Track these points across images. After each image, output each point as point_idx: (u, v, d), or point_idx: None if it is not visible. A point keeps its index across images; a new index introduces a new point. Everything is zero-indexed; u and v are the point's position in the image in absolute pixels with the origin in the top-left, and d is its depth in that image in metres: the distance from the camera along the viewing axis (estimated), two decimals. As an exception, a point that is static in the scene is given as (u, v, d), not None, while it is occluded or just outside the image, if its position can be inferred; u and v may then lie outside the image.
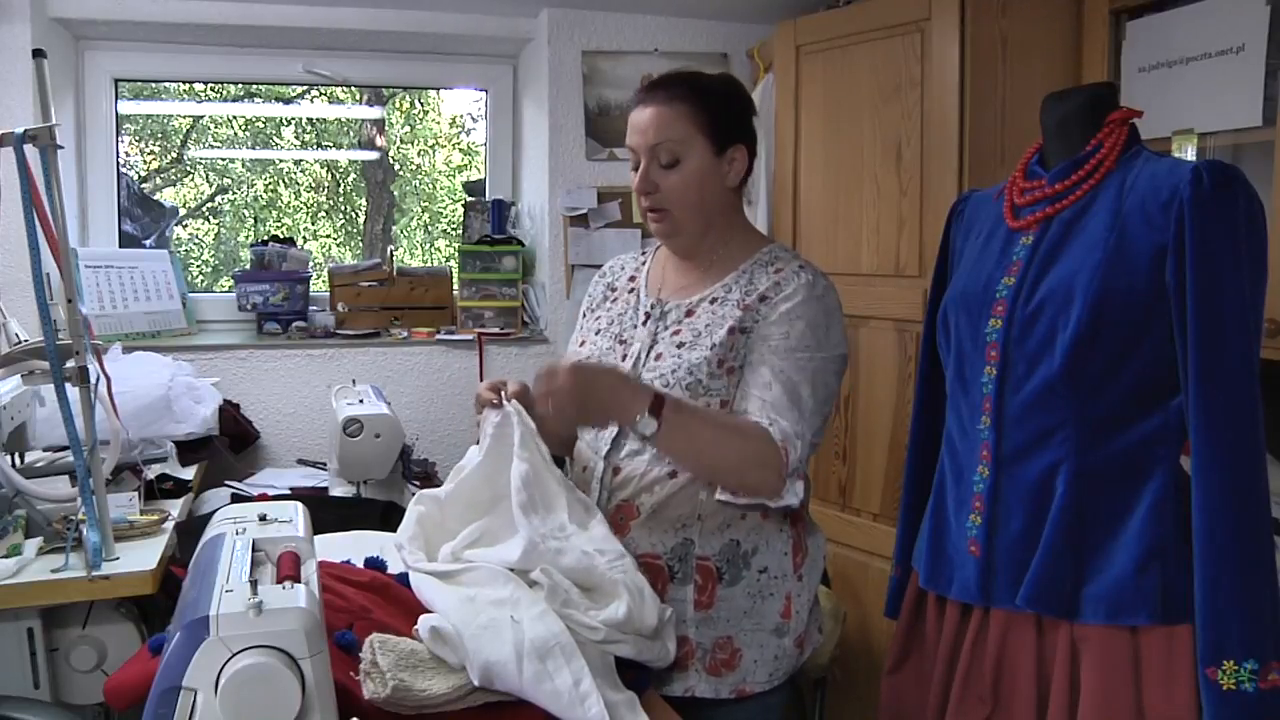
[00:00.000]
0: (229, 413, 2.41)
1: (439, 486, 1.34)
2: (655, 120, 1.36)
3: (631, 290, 1.51)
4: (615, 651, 1.14)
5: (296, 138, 4.58)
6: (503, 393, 1.33)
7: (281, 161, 5.12)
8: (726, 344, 1.34)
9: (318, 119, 4.16)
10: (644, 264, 1.55)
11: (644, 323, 1.44)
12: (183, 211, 4.32)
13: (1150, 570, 1.21)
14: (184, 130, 4.30)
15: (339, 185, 5.01)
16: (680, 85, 1.38)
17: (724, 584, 1.35)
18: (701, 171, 1.37)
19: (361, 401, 2.24)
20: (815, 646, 1.46)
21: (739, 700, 1.35)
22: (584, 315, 1.58)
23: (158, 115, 4.05)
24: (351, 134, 4.25)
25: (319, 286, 2.95)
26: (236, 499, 2.07)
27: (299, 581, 0.93)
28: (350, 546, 1.49)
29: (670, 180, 1.37)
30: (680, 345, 1.37)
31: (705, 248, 1.43)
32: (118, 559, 1.46)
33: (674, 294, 1.45)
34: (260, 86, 3.33)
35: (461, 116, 4.60)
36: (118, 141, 2.79)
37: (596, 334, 1.49)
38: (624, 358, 1.42)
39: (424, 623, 1.11)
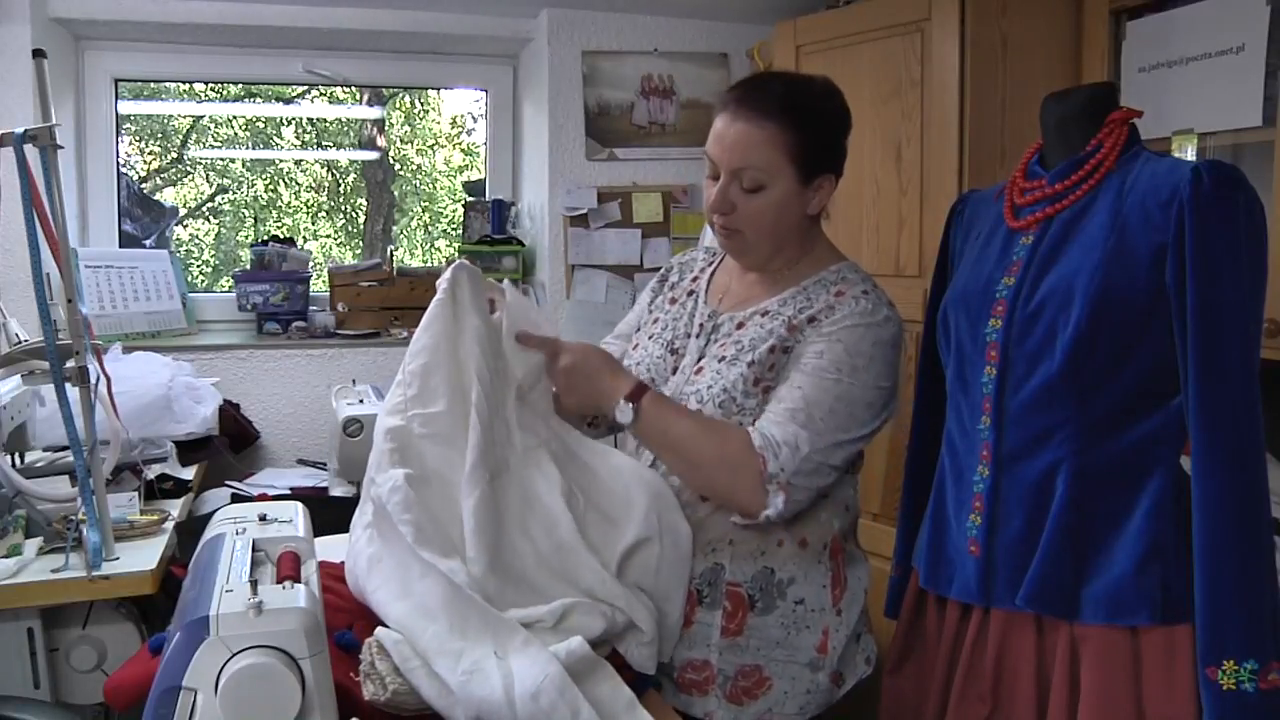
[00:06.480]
0: (229, 413, 2.41)
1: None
2: (743, 141, 1.25)
3: (691, 294, 1.45)
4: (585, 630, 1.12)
5: (296, 138, 4.59)
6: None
7: (281, 161, 5.12)
8: (765, 361, 1.28)
9: (318, 119, 4.17)
10: (711, 265, 1.48)
11: (697, 334, 1.39)
12: (183, 211, 4.32)
13: (1150, 570, 1.20)
14: (184, 130, 4.31)
15: (339, 185, 5.01)
16: (776, 101, 1.26)
17: (756, 612, 1.30)
18: (783, 202, 1.28)
19: (361, 401, 2.24)
20: (860, 678, 1.40)
21: None
22: (646, 309, 1.52)
23: (158, 115, 4.06)
24: (351, 134, 4.26)
25: (319, 286, 2.95)
26: (236, 499, 2.07)
27: (299, 581, 0.93)
28: (350, 546, 1.48)
29: (749, 205, 1.28)
30: (722, 359, 1.32)
31: (774, 265, 1.37)
32: (118, 559, 1.46)
33: (733, 306, 1.38)
34: (260, 86, 3.33)
35: (461, 116, 4.61)
36: (118, 141, 2.79)
37: (650, 339, 1.44)
38: (675, 370, 1.38)
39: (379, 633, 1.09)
